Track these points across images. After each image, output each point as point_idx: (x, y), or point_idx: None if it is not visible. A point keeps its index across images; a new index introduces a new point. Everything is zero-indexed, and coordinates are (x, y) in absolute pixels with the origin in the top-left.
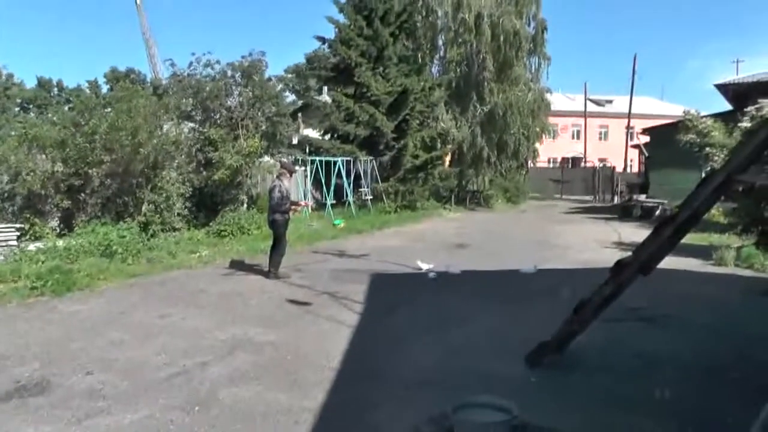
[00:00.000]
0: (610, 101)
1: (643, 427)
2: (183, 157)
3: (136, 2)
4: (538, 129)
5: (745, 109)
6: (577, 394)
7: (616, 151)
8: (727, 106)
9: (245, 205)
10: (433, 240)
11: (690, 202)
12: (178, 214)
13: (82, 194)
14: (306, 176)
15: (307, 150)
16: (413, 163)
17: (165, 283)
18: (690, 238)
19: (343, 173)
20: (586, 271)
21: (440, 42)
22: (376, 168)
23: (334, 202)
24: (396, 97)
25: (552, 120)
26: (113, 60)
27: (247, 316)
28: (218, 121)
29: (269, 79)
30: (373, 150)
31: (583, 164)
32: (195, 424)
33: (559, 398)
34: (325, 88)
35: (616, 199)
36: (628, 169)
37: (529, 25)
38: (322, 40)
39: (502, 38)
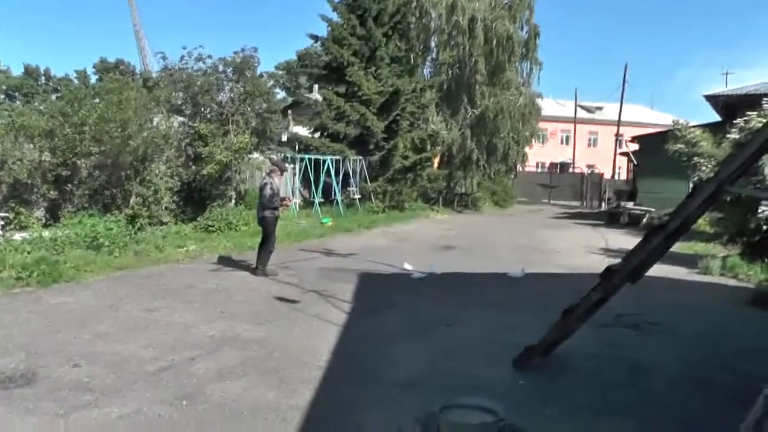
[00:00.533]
0: (600, 108)
1: None
2: (172, 150)
3: None
4: (527, 133)
5: (734, 121)
6: (564, 398)
7: (604, 158)
8: (715, 117)
9: (233, 201)
10: (420, 241)
11: (680, 211)
12: (166, 208)
13: (70, 185)
14: (295, 174)
15: (297, 147)
16: (402, 163)
17: (152, 277)
18: (676, 247)
19: (332, 172)
20: (573, 275)
21: (433, 44)
22: (365, 167)
23: (323, 200)
24: (387, 98)
25: (542, 125)
26: (102, 50)
27: (235, 313)
28: (208, 116)
29: (261, 76)
30: (362, 149)
31: (571, 170)
32: (183, 418)
33: (545, 402)
34: (316, 86)
35: (604, 206)
36: (617, 177)
37: (522, 29)
38: (315, 38)
39: (494, 42)
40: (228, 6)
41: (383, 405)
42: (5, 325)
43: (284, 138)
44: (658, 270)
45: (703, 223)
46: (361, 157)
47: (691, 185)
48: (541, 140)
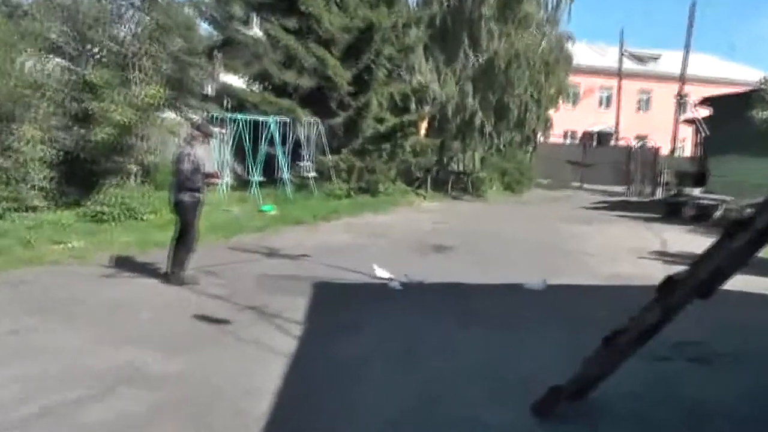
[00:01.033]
0: (656, 58)
1: None
2: (48, 106)
3: None
4: (553, 90)
5: None
6: None
7: (660, 126)
8: None
9: (136, 179)
10: (400, 238)
11: None
12: (38, 188)
13: None
14: (224, 142)
15: (228, 104)
16: (377, 129)
17: (17, 284)
18: (765, 252)
19: (278, 139)
20: (616, 289)
21: None
22: (323, 134)
23: (263, 179)
24: (356, 36)
25: (573, 79)
26: None
27: (138, 337)
28: (102, 59)
29: (178, 2)
30: (320, 109)
31: (613, 142)
32: None
33: None
34: (256, 19)
35: (659, 193)
36: (678, 152)
37: None
38: None
39: None
40: None
41: None
42: None
43: (210, 91)
44: (738, 282)
45: None
46: (318, 120)
47: None
48: (571, 100)
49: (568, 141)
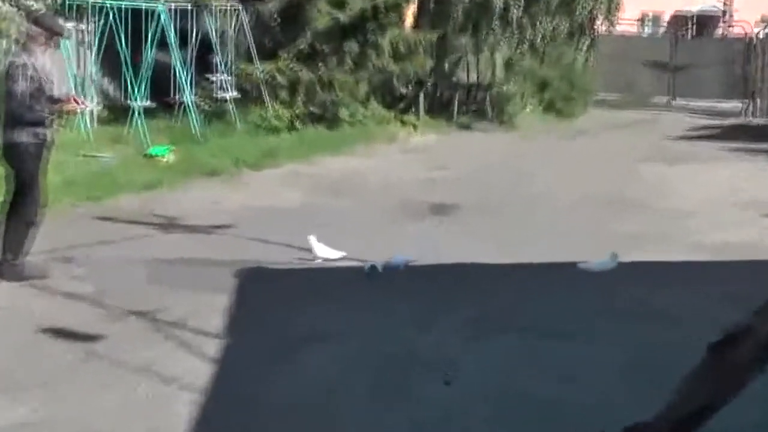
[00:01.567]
0: None
1: None
2: None
3: None
4: None
5: None
6: None
7: None
8: None
9: None
10: (376, 195)
11: None
12: None
13: None
14: (85, 46)
15: None
16: (335, 18)
17: None
18: None
19: (173, 39)
20: (727, 268)
21: None
22: (248, 29)
23: (152, 104)
24: None
25: None
26: None
27: None
28: None
29: None
30: None
31: (722, 30)
32: None
33: None
34: None
35: None
36: None
37: None
38: None
39: None
40: None
41: None
42: None
43: None
44: None
45: None
46: (238, 4)
47: None
48: None
49: (647, 30)
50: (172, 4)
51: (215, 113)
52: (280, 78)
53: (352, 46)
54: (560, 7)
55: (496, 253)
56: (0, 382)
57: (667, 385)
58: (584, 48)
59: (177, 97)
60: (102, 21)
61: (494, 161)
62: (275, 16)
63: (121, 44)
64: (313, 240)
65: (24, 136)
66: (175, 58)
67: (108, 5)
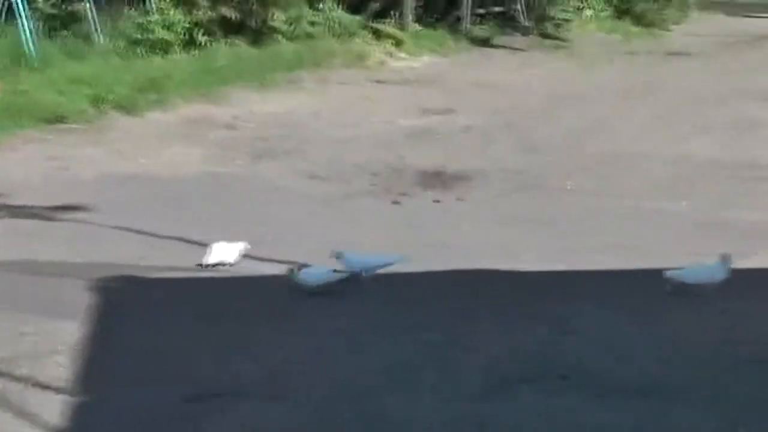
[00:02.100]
0: None
1: None
2: None
3: None
4: None
5: None
6: None
7: None
8: None
9: None
10: (330, 157)
11: None
12: None
13: None
14: None
15: None
16: None
17: None
18: None
19: None
20: None
21: None
22: None
23: None
24: None
25: None
26: None
27: None
28: None
29: None
30: None
31: None
32: None
33: None
34: None
35: None
36: None
37: None
38: None
39: None
40: None
41: None
42: None
43: None
44: None
45: None
46: None
47: None
48: None
49: None
50: None
51: (62, 20)
52: None
53: None
54: None
55: (532, 253)
56: None
57: None
58: None
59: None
60: None
61: (530, 103)
62: None
63: None
64: (212, 249)
65: None
66: None
67: None
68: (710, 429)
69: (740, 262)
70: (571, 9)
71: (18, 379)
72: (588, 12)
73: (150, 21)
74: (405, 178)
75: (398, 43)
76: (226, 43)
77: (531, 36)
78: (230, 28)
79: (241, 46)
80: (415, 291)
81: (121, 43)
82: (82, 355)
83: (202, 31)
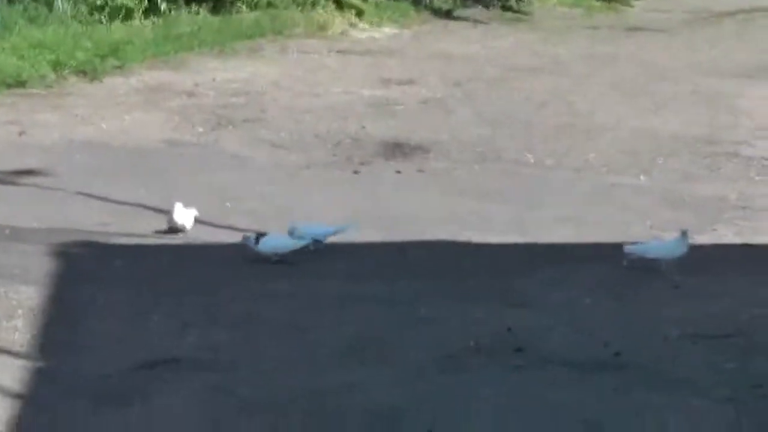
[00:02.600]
0: None
1: None
2: None
3: None
4: None
5: None
6: None
7: None
8: None
9: None
10: (290, 126)
11: None
12: None
13: None
14: None
15: None
16: None
17: None
18: None
19: None
20: None
21: None
22: None
23: None
24: None
25: None
26: None
27: None
28: None
29: None
30: None
31: None
32: None
33: None
34: None
35: None
36: None
37: None
38: None
39: None
40: None
41: None
42: None
43: None
44: None
45: None
46: None
47: None
48: None
49: None
50: None
51: None
52: None
53: None
54: None
55: (490, 225)
56: None
57: None
58: None
59: None
60: None
61: (491, 75)
62: None
63: None
64: (177, 208)
65: None
66: None
67: None
68: (662, 403)
69: (698, 237)
70: None
71: None
72: None
73: None
74: (366, 148)
75: (360, 13)
76: (188, 10)
77: (492, 9)
78: None
79: (202, 14)
80: (373, 262)
81: (83, 9)
82: (39, 320)
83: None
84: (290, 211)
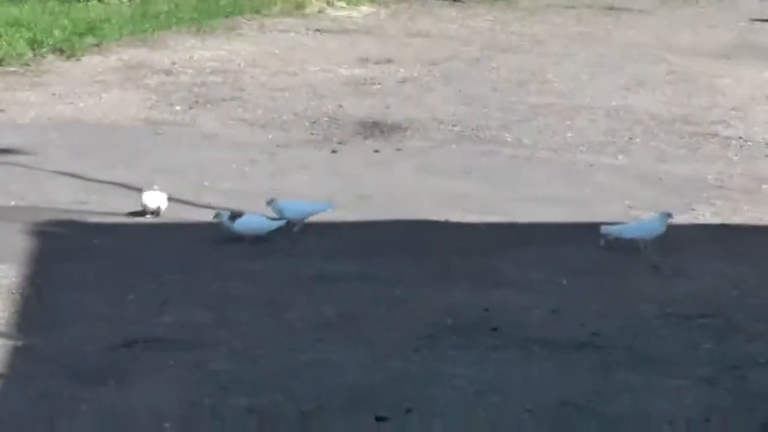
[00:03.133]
0: None
1: None
2: None
3: None
4: None
5: None
6: None
7: None
8: None
9: None
10: (267, 104)
11: None
12: None
13: None
14: None
15: None
16: None
17: None
18: None
19: None
20: None
21: None
22: None
23: None
24: None
25: None
26: None
27: None
28: None
29: None
30: None
31: None
32: None
33: None
34: None
35: None
36: None
37: None
38: None
39: None
40: None
41: None
42: None
43: None
44: None
45: None
46: None
47: None
48: None
49: None
50: None
51: None
52: None
53: None
54: None
55: (467, 204)
56: None
57: None
58: None
59: None
60: None
61: (468, 54)
62: None
63: None
64: (145, 195)
65: None
66: None
67: None
68: (640, 383)
69: (677, 217)
70: None
71: None
72: None
73: None
74: (344, 127)
75: None
76: None
77: None
78: None
79: None
80: (350, 241)
81: None
82: (17, 298)
83: None
84: (268, 190)
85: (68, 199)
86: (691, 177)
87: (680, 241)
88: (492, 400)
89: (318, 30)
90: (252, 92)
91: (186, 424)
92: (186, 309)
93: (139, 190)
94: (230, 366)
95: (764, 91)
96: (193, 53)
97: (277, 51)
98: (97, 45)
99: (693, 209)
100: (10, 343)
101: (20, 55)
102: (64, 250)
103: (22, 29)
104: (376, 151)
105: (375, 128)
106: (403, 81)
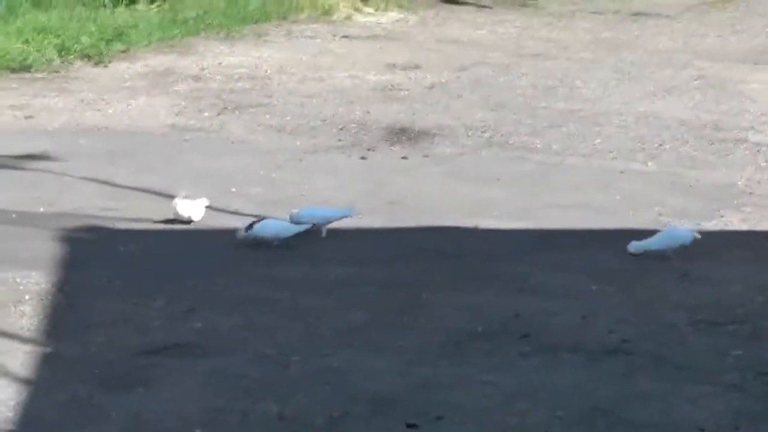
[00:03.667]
0: None
1: None
2: None
3: None
4: None
5: None
6: None
7: None
8: None
9: None
10: (295, 110)
11: None
12: None
13: None
14: None
15: None
16: None
17: None
18: None
19: None
20: None
21: None
22: None
23: None
24: None
25: None
26: None
27: None
28: None
29: None
30: None
31: None
32: None
33: None
34: None
35: None
36: None
37: None
38: None
39: None
40: None
41: None
42: None
43: None
44: None
45: None
46: None
47: None
48: None
49: None
50: None
51: None
52: None
53: None
54: None
55: (496, 211)
56: None
57: None
58: None
59: None
60: None
61: (496, 60)
62: None
63: None
64: (179, 199)
65: None
66: None
67: None
68: (669, 389)
69: (706, 223)
70: None
71: None
72: None
73: None
74: (372, 133)
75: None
76: None
77: None
78: None
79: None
80: (378, 246)
81: None
82: (46, 305)
83: None
84: (296, 196)
85: (96, 206)
86: (721, 183)
87: (709, 248)
88: (521, 406)
89: (345, 36)
90: (280, 98)
91: (215, 431)
92: (213, 315)
93: (167, 196)
94: (258, 372)
95: None
96: (222, 59)
97: (304, 57)
98: (124, 51)
99: (722, 216)
100: (39, 349)
101: (48, 62)
102: (93, 256)
103: (50, 36)
104: (404, 157)
105: (403, 134)
106: (431, 87)
